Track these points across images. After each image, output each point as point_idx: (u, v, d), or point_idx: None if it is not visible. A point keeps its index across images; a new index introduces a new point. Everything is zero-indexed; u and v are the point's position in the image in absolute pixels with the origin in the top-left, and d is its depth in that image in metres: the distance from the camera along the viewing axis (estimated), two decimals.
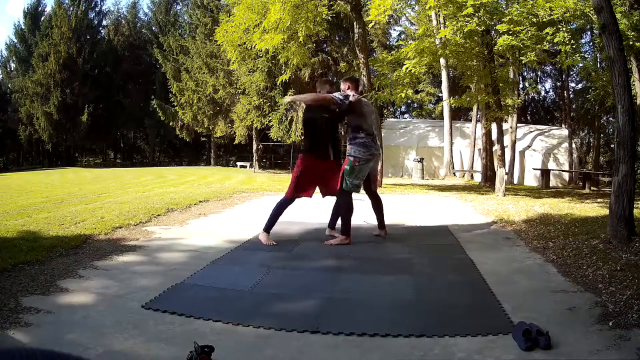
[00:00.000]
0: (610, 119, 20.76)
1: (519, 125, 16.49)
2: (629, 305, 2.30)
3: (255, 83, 17.17)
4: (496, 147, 9.91)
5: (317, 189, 4.26)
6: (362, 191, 4.31)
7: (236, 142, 19.58)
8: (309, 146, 4.08)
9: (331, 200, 4.47)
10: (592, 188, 11.13)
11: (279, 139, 17.38)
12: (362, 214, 5.13)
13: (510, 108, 10.30)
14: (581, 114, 20.23)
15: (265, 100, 17.46)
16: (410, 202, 6.97)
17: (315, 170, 4.06)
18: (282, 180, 11.75)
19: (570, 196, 8.36)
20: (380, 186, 8.84)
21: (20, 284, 2.74)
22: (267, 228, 4.02)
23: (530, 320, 2.11)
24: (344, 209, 4.08)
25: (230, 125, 20.35)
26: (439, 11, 11.20)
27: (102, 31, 30.44)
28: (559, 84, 24.27)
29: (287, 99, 4.14)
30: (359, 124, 4.05)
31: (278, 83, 16.05)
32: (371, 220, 5.02)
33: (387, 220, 4.97)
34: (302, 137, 4.04)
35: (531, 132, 17.75)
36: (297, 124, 16.76)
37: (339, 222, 4.24)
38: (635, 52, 9.25)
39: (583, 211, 5.49)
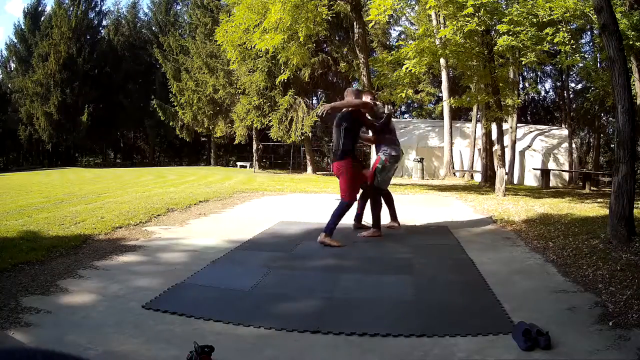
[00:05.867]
0: (610, 119, 20.75)
1: (519, 125, 16.48)
2: (629, 305, 2.30)
3: (255, 83, 17.15)
4: (496, 147, 9.90)
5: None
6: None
7: (236, 142, 19.55)
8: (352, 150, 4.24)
9: (330, 201, 4.51)
10: (592, 188, 11.13)
11: (279, 139, 17.36)
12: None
13: (510, 108, 10.29)
14: (581, 114, 20.22)
15: (265, 100, 17.43)
16: (410, 202, 6.97)
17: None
18: (282, 181, 11.75)
19: (570, 196, 8.36)
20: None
21: (20, 284, 2.74)
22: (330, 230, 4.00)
23: (531, 320, 2.11)
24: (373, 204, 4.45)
25: (230, 125, 20.32)
26: (439, 11, 11.20)
27: (102, 31, 30.40)
28: (559, 84, 24.25)
29: (325, 107, 4.19)
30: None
31: (278, 83, 16.04)
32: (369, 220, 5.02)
33: (388, 220, 4.97)
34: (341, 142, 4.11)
35: (531, 132, 17.74)
36: (297, 124, 16.75)
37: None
38: (635, 52, 9.24)
39: (583, 211, 5.49)
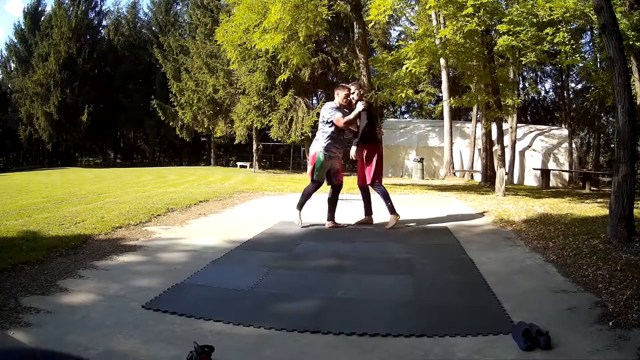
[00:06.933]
0: (610, 119, 20.77)
1: (519, 125, 16.48)
2: (629, 305, 2.30)
3: (255, 83, 17.16)
4: (496, 147, 9.90)
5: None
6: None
7: (236, 142, 19.57)
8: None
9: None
10: (592, 188, 11.12)
11: (279, 139, 17.37)
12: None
13: (510, 108, 10.28)
14: (581, 114, 20.23)
15: (265, 100, 17.45)
16: (410, 202, 6.96)
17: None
18: (282, 181, 11.74)
19: (570, 196, 8.35)
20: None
21: (20, 284, 2.74)
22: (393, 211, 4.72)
23: (531, 320, 2.11)
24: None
25: (230, 125, 20.34)
26: (439, 11, 11.20)
27: (102, 31, 30.45)
28: (559, 84, 24.25)
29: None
30: None
31: (278, 83, 16.05)
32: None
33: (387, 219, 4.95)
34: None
35: (531, 132, 17.75)
36: (297, 124, 16.77)
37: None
38: (635, 52, 9.24)
39: (583, 211, 5.48)
